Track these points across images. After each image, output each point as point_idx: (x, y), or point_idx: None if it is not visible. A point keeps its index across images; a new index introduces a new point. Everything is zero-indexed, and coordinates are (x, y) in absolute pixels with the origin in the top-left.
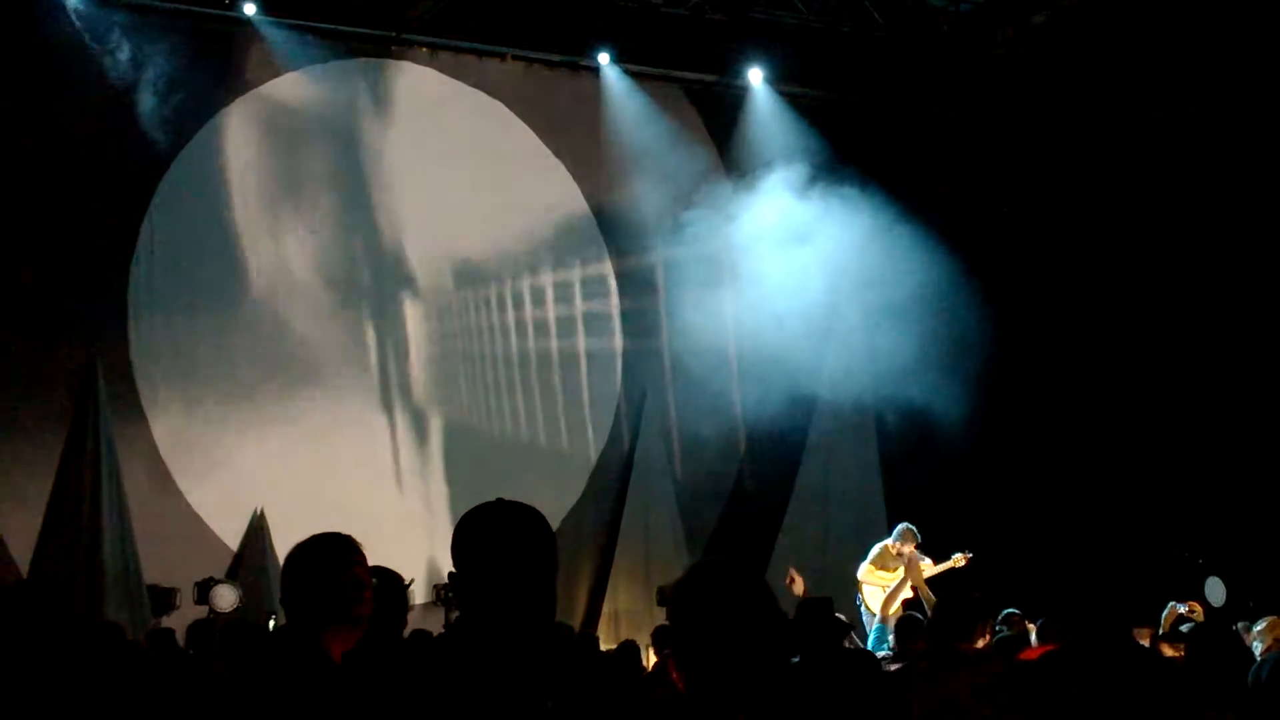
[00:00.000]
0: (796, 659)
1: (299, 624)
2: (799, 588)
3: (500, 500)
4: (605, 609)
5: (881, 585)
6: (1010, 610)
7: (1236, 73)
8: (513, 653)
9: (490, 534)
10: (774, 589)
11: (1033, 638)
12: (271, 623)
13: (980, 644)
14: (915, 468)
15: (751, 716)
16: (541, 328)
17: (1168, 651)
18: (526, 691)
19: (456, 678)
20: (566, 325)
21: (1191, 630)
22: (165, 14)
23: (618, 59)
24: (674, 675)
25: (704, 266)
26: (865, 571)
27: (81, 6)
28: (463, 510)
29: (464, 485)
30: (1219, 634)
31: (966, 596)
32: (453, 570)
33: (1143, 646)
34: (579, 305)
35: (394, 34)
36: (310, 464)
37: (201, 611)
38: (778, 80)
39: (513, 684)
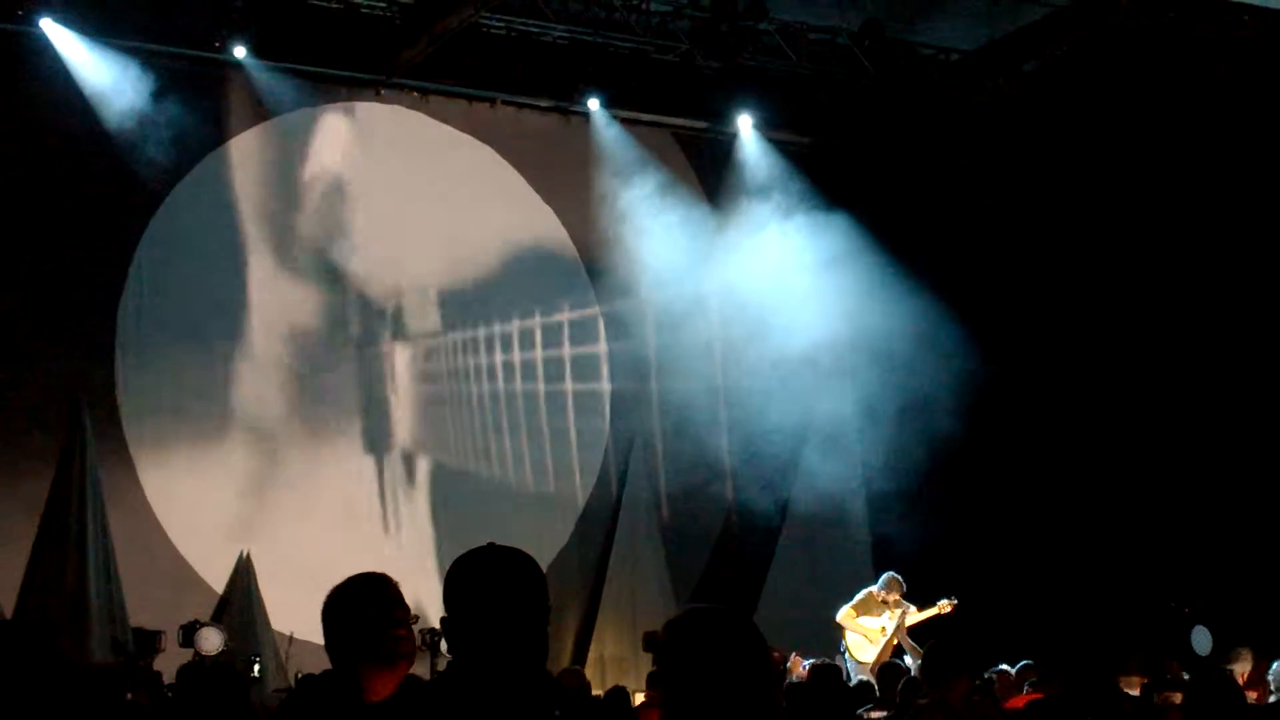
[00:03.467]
0: None
1: (338, 667)
2: (798, 670)
3: (492, 545)
4: (592, 654)
5: (864, 633)
6: (1003, 667)
7: (1228, 117)
8: (506, 698)
9: (482, 579)
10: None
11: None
12: (256, 667)
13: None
14: (903, 513)
15: None
16: (529, 370)
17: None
18: None
19: None
20: (554, 368)
21: (1190, 679)
22: (156, 56)
23: (608, 105)
24: None
25: (692, 310)
26: (846, 616)
27: (73, 48)
28: (449, 555)
29: (450, 529)
30: (1215, 680)
31: (953, 645)
32: (444, 615)
33: (1127, 694)
34: (567, 348)
35: (384, 78)
36: (296, 507)
37: (187, 654)
38: (767, 127)
39: None
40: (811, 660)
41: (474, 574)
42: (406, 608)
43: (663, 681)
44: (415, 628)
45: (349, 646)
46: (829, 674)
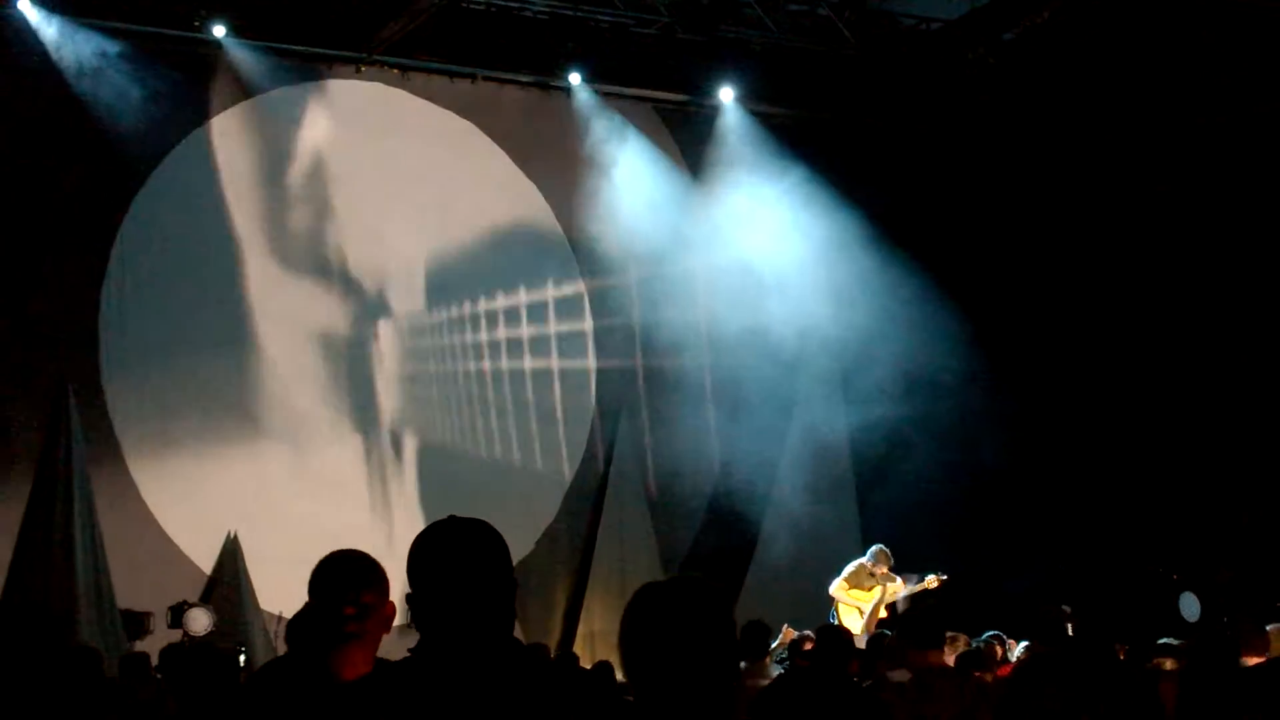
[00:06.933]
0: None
1: (306, 645)
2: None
3: (452, 517)
4: (581, 629)
5: (856, 605)
6: (993, 633)
7: (1209, 86)
8: (471, 672)
9: (440, 552)
10: (733, 606)
11: (1012, 655)
12: (242, 655)
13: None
14: (889, 485)
15: None
16: (515, 348)
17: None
18: (487, 712)
19: (417, 701)
20: (540, 345)
21: (1189, 643)
22: (135, 37)
23: (588, 79)
24: None
25: (676, 285)
26: (838, 589)
27: (51, 30)
28: None
29: (438, 506)
30: (1213, 645)
31: (930, 610)
32: (409, 591)
33: (1118, 658)
34: (552, 325)
35: (364, 55)
36: (284, 486)
37: (175, 635)
38: (749, 99)
39: (473, 705)
40: (801, 632)
41: (431, 547)
42: (371, 585)
43: (622, 658)
44: (406, 606)
45: (311, 624)
46: (834, 635)
